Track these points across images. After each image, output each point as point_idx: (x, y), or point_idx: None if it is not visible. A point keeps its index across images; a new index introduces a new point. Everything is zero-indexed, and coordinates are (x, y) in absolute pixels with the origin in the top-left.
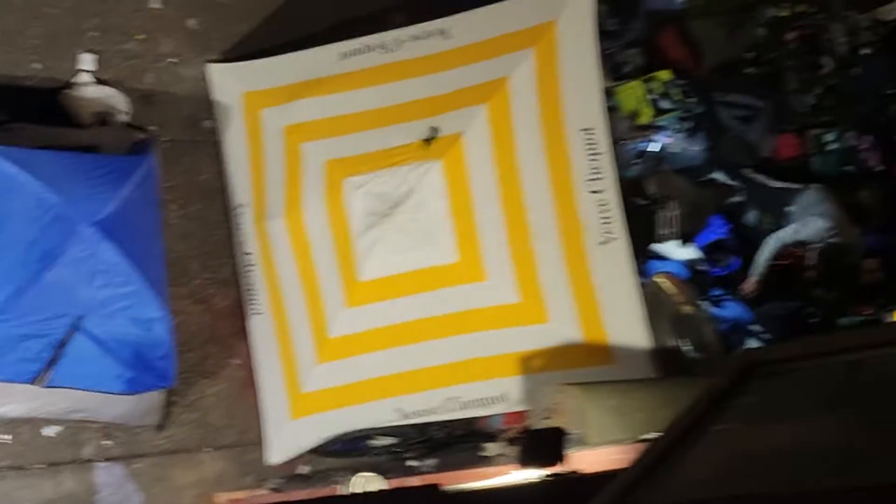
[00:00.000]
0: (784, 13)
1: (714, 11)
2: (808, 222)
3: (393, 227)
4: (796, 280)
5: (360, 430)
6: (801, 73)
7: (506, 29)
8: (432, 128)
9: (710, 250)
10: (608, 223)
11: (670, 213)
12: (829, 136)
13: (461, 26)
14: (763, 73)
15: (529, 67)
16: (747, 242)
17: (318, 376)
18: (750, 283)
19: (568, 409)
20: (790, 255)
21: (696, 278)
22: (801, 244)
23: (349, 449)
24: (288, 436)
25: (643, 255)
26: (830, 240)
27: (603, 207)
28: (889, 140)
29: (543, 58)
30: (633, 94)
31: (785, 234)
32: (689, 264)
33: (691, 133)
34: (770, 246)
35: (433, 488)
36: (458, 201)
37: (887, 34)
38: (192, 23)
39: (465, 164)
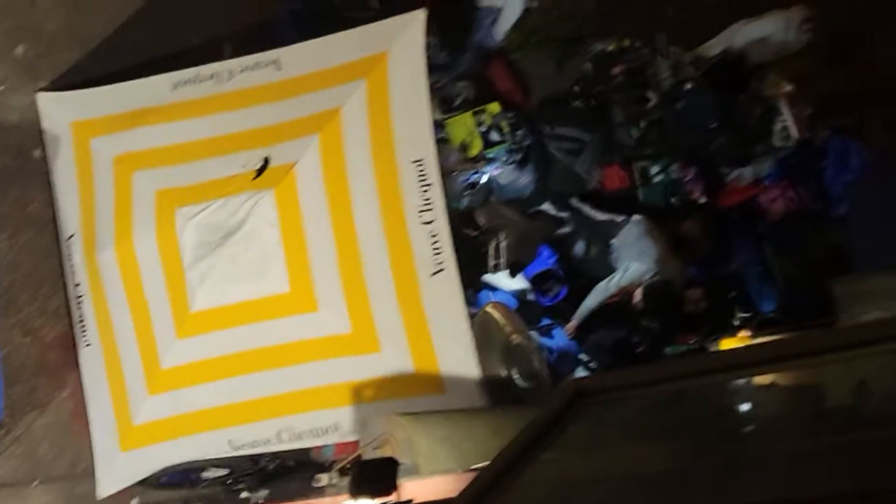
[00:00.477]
0: (610, 48)
1: (534, 44)
2: (628, 270)
3: (224, 258)
4: (623, 310)
5: (192, 462)
6: (627, 106)
7: (337, 60)
8: (264, 158)
9: (539, 280)
10: (439, 254)
11: (500, 244)
12: (655, 169)
13: (293, 57)
14: (590, 106)
15: (361, 98)
16: (575, 272)
17: (149, 408)
18: (572, 326)
19: (398, 438)
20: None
21: (525, 308)
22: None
23: (180, 481)
24: (119, 468)
25: (474, 286)
26: (653, 279)
27: (434, 238)
28: (712, 172)
29: (375, 89)
30: (462, 125)
31: (609, 285)
32: (519, 294)
33: (520, 165)
34: (593, 297)
35: None
36: (289, 231)
37: (709, 69)
38: (20, 50)
39: (297, 195)
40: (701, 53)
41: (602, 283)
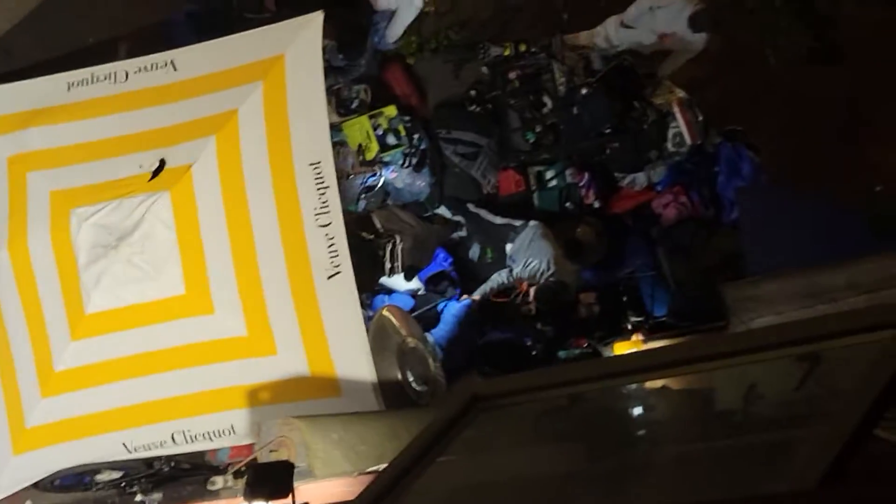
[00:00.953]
0: (506, 52)
1: (432, 49)
2: (527, 264)
3: (120, 259)
4: (516, 313)
5: (86, 464)
6: (523, 111)
7: (234, 62)
8: (160, 159)
9: (433, 282)
10: (335, 257)
11: (396, 247)
12: (550, 173)
13: (190, 58)
14: (486, 110)
15: (257, 100)
16: (469, 276)
17: (42, 410)
18: (468, 298)
19: (294, 441)
20: (510, 290)
21: (420, 298)
22: (521, 280)
23: (73, 483)
24: (11, 471)
25: (369, 289)
26: (548, 279)
27: (330, 241)
28: (606, 177)
29: (271, 91)
30: (359, 129)
31: (504, 277)
32: (413, 293)
33: (416, 168)
34: (491, 283)
35: None
36: (185, 233)
37: (604, 75)
38: None
39: (193, 196)
40: (575, 42)
41: (503, 272)
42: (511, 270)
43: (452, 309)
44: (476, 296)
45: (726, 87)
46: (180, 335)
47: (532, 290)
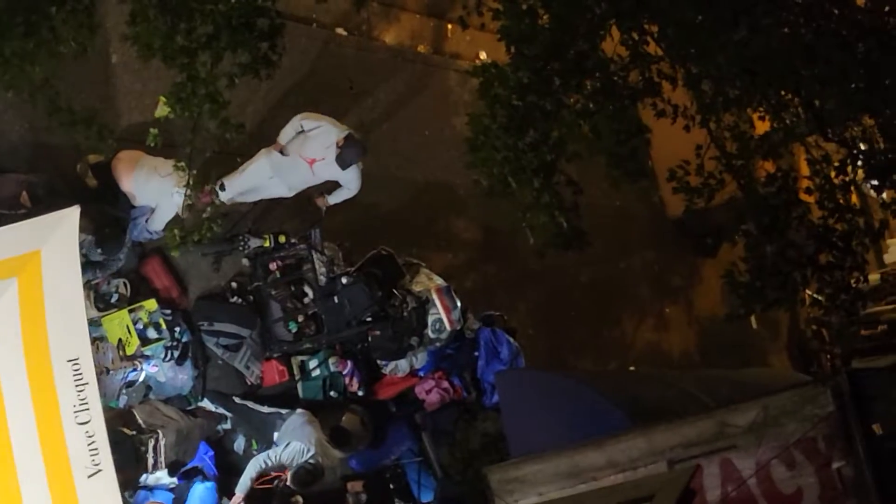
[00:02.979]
0: (266, 244)
1: (195, 242)
2: (288, 446)
3: None
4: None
5: None
6: (285, 301)
7: None
8: None
9: (187, 476)
10: (96, 454)
11: (159, 443)
12: (313, 363)
13: None
14: (248, 302)
15: (13, 297)
16: (232, 468)
17: None
18: (236, 500)
19: None
20: (272, 477)
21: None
22: (282, 466)
23: None
24: None
25: (133, 486)
26: (308, 461)
27: (90, 438)
28: (369, 365)
29: (27, 287)
30: (119, 323)
31: (264, 459)
32: (171, 490)
33: (178, 362)
34: (251, 468)
35: None
36: None
37: (364, 264)
38: None
39: None
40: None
41: (261, 455)
42: (269, 454)
43: (197, 492)
44: (239, 493)
45: (485, 272)
46: None
47: (289, 473)
